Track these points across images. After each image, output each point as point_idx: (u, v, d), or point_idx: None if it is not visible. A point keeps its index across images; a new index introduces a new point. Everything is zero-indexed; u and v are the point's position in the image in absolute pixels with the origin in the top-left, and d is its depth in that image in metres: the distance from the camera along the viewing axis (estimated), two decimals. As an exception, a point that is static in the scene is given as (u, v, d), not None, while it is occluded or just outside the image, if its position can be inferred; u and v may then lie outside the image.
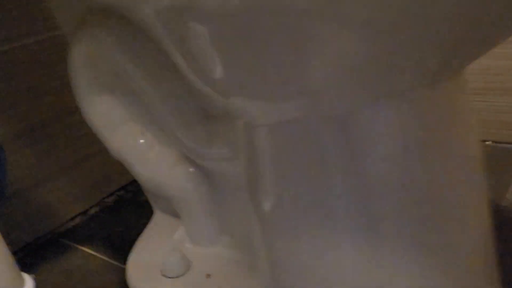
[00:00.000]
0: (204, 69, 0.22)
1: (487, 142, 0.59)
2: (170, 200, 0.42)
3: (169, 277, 0.40)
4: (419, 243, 0.25)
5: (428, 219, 0.25)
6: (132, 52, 0.35)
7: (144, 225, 0.50)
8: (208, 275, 0.39)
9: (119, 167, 0.41)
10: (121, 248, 0.51)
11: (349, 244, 0.25)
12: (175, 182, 0.40)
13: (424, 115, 0.23)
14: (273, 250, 0.29)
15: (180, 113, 0.36)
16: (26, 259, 0.53)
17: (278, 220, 0.28)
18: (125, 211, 0.61)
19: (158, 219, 0.48)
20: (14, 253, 0.47)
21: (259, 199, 0.28)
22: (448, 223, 0.25)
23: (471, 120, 0.24)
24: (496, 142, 0.58)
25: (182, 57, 0.23)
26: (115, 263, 0.49)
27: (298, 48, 0.19)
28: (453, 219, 0.25)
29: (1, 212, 0.51)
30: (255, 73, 0.21)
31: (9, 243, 0.46)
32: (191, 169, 0.40)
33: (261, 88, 0.22)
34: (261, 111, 0.24)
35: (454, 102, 0.24)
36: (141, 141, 0.41)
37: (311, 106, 0.23)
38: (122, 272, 0.45)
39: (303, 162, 0.25)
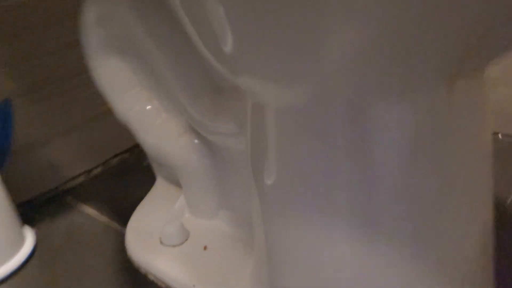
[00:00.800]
0: (215, 44, 0.21)
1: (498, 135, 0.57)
2: (173, 169, 0.42)
3: (167, 246, 0.40)
4: (418, 242, 0.25)
5: (430, 219, 0.24)
6: (144, 16, 0.34)
7: (146, 189, 0.50)
8: (205, 247, 0.39)
9: (125, 130, 0.41)
10: (121, 210, 0.52)
11: (345, 236, 0.25)
12: (179, 151, 0.40)
13: (439, 115, 0.22)
14: (269, 231, 0.29)
15: (189, 83, 0.35)
16: (28, 213, 0.53)
17: (278, 201, 0.27)
18: (128, 173, 0.62)
19: (160, 186, 0.48)
20: (17, 206, 0.48)
21: (261, 178, 0.28)
22: (451, 225, 0.25)
23: (487, 120, 0.24)
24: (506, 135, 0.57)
25: (194, 27, 0.22)
26: (115, 225, 0.50)
27: (310, 24, 0.18)
28: (456, 221, 0.25)
29: (6, 167, 0.51)
30: (265, 51, 0.20)
31: (13, 197, 0.46)
32: (196, 141, 0.39)
33: (270, 68, 0.21)
34: (269, 93, 0.23)
35: (473, 103, 0.23)
36: (148, 107, 0.40)
37: (322, 91, 0.22)
38: (122, 236, 0.45)
39: (308, 148, 0.24)
